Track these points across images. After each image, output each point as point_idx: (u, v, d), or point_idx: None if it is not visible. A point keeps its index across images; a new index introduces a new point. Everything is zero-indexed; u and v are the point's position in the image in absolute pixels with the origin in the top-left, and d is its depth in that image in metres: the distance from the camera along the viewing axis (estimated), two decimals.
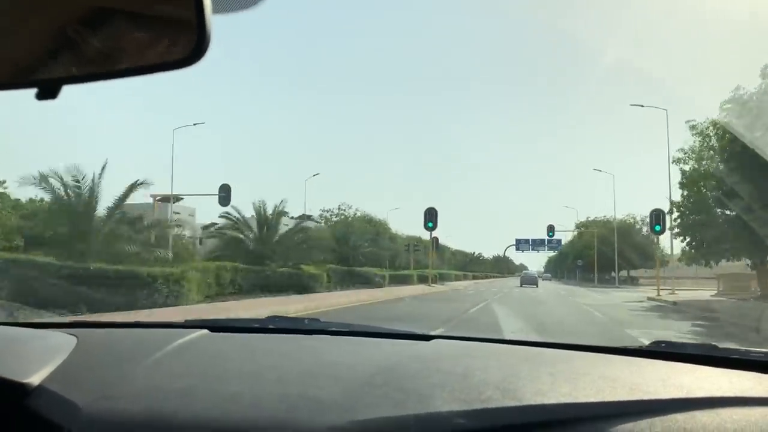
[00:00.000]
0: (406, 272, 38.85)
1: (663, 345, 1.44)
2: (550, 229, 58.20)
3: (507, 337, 1.83)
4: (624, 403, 1.00)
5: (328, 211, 70.33)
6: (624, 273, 67.28)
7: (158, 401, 1.08)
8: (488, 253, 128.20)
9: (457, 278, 52.98)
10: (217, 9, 0.76)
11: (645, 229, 61.26)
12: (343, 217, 66.70)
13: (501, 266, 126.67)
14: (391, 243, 67.03)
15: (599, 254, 62.80)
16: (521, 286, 44.50)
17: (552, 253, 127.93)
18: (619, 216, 63.74)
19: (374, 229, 54.53)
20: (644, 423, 0.93)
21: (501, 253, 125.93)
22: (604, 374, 1.14)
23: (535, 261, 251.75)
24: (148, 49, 0.80)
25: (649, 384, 1.09)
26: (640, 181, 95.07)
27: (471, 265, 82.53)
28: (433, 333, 1.62)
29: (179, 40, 0.78)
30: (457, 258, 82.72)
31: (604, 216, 64.72)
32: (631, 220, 61.85)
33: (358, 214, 60.75)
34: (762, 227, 18.81)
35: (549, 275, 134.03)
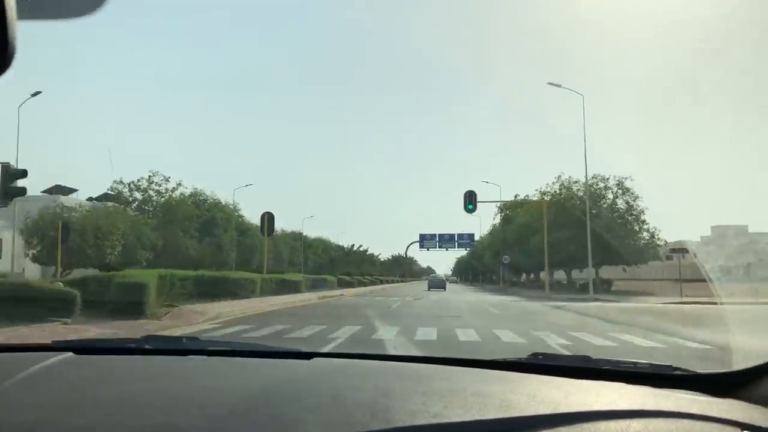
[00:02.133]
0: None
1: (540, 357, 1.46)
2: (470, 200, 32.65)
3: (387, 353, 1.84)
4: (493, 421, 1.00)
5: (129, 185, 42.52)
6: (576, 274, 43.15)
7: None
8: (389, 253, 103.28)
9: (282, 290, 25.89)
10: (30, 15, 0.72)
11: (622, 201, 36.93)
12: (156, 194, 42.91)
13: (402, 268, 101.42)
14: (248, 237, 47.29)
15: (534, 248, 38.22)
16: (429, 289, 42.44)
17: (463, 253, 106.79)
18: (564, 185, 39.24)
19: (209, 214, 41.01)
20: None
21: (402, 252, 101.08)
22: (477, 390, 1.15)
23: (443, 263, 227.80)
24: None
25: (519, 400, 1.10)
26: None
27: (348, 265, 55.34)
28: (314, 350, 1.55)
29: None
30: (329, 254, 55.46)
31: (558, 178, 39.54)
32: (599, 185, 37.03)
33: (185, 190, 42.04)
34: None
35: (455, 278, 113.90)
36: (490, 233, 67.37)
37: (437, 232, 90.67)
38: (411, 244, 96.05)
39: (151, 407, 1.08)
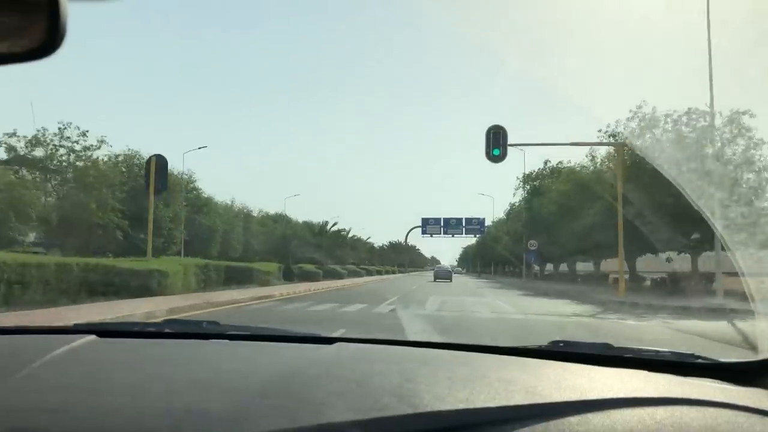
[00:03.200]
0: None
1: (561, 345, 1.48)
2: (496, 142, 19.31)
3: (409, 338, 1.87)
4: (519, 407, 1.01)
5: (31, 140, 30.72)
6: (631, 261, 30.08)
7: (26, 420, 0.96)
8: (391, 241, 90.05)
9: (131, 287, 12.94)
10: None
11: (733, 149, 23.44)
12: (69, 152, 31.19)
13: (402, 256, 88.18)
14: (205, 215, 36.83)
15: (585, 225, 25.21)
16: (435, 280, 43.19)
17: (471, 241, 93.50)
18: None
19: (141, 183, 27.73)
20: (539, 427, 0.95)
21: (402, 239, 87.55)
22: (502, 377, 1.16)
23: (449, 253, 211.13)
24: None
25: (544, 386, 1.11)
26: None
27: (315, 250, 41.18)
28: (335, 335, 1.57)
29: (31, 29, 0.69)
30: (277, 233, 41.12)
31: (635, 111, 25.22)
32: (699, 123, 23.32)
33: (111, 149, 30.90)
34: None
35: (460, 269, 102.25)
36: (508, 215, 54.05)
37: (442, 216, 78.20)
38: (412, 229, 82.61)
39: (178, 390, 1.09)
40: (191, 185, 44.45)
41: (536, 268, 48.47)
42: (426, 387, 1.07)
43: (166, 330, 1.68)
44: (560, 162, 40.89)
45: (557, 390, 1.08)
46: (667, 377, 1.21)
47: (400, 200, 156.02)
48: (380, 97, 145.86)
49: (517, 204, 49.82)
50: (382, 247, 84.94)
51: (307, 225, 45.14)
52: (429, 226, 77.36)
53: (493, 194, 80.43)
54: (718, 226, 16.16)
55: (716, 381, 1.23)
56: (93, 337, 1.48)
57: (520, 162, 73.67)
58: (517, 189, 45.67)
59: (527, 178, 43.79)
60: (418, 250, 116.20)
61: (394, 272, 76.15)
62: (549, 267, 50.42)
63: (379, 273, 61.40)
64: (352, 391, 1.05)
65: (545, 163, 42.32)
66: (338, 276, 37.90)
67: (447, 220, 76.56)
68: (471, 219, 76.09)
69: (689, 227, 18.92)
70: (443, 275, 46.67)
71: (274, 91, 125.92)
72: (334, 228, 45.51)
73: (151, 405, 1.01)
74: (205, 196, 45.30)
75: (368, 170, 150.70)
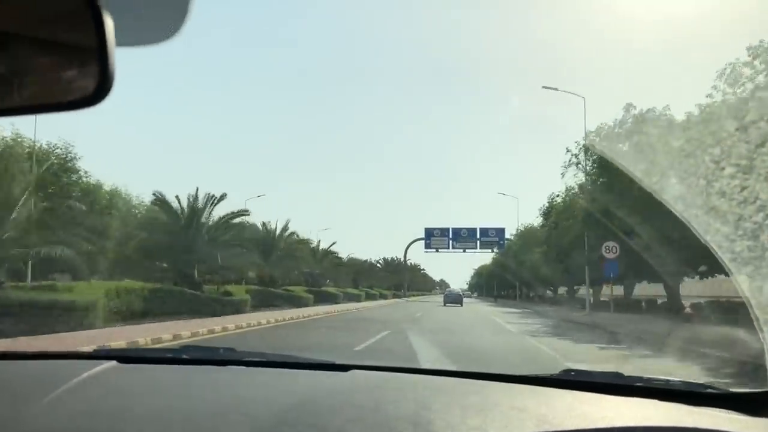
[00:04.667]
0: None
1: (572, 374, 1.49)
2: None
3: (423, 367, 1.88)
4: None
5: None
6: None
7: None
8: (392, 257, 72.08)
9: None
10: (126, 42, 0.73)
11: None
12: None
13: (400, 277, 70.08)
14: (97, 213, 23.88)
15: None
16: (445, 304, 43.70)
17: (486, 260, 75.86)
18: None
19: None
20: None
21: (401, 257, 69.59)
22: (514, 405, 1.18)
23: (459, 276, 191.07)
24: (47, 86, 0.74)
25: (555, 414, 1.13)
26: None
27: (187, 255, 22.04)
28: (350, 363, 1.58)
29: (81, 78, 0.72)
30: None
31: None
32: None
33: None
34: None
35: (470, 293, 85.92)
36: (547, 213, 36.42)
37: (451, 226, 60.88)
38: (413, 242, 65.44)
39: (197, 418, 1.12)
40: (69, 164, 27.52)
41: (580, 291, 31.30)
42: (440, 415, 1.08)
43: (184, 356, 1.69)
44: (651, 109, 23.09)
45: (568, 418, 1.09)
46: (678, 406, 1.21)
47: (404, 215, 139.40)
48: (379, 91, 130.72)
49: (560, 195, 32.42)
50: (369, 263, 66.79)
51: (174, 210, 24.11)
52: (434, 238, 60.80)
53: (519, 192, 63.90)
54: None
55: (727, 411, 1.21)
56: (114, 363, 1.50)
57: (557, 140, 56.01)
58: (567, 166, 27.75)
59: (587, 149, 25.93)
60: (423, 270, 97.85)
61: (385, 297, 58.27)
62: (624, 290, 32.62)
63: (357, 299, 43.71)
64: (367, 419, 1.07)
65: (627, 109, 24.32)
66: (229, 310, 19.20)
67: (456, 231, 60.08)
68: (487, 229, 59.58)
69: None
70: (453, 299, 45.71)
71: (265, 90, 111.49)
72: (238, 219, 25.19)
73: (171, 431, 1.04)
74: (91, 182, 28.39)
75: (367, 177, 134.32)
